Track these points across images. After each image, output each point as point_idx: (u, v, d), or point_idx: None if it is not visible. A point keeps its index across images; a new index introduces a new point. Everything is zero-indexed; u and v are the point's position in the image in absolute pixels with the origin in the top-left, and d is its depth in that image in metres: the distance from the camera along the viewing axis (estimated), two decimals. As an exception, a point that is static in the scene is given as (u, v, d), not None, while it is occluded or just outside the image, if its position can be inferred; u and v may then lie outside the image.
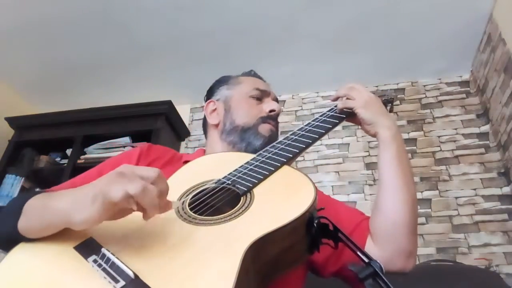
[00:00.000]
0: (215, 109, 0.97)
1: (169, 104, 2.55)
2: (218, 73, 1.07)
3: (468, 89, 2.64)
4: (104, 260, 0.47)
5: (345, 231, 0.74)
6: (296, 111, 2.82)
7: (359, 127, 0.84)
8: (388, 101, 0.91)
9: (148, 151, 0.88)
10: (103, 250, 0.48)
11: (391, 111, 0.94)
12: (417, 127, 2.58)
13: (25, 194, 0.63)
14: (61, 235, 0.54)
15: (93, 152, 2.52)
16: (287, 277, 0.59)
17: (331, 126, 0.79)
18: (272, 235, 0.49)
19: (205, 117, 1.00)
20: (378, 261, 0.46)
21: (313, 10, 2.23)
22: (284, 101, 2.88)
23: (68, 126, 2.63)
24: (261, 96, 0.95)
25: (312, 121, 0.81)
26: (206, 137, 1.01)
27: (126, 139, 2.51)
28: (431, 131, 2.54)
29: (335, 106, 0.84)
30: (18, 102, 2.96)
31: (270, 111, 0.92)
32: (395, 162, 0.75)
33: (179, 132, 2.77)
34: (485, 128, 2.45)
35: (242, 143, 0.88)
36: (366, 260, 0.47)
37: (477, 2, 2.17)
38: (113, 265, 0.46)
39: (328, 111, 0.85)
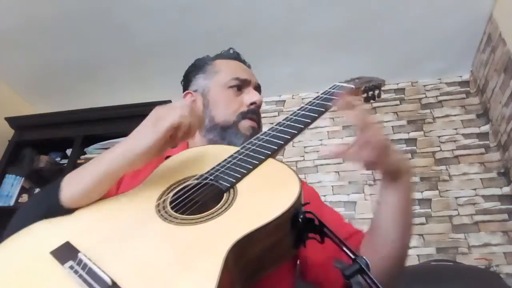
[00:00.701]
0: (193, 102, 0.91)
1: (169, 104, 2.55)
2: None
3: (468, 89, 2.64)
4: (81, 266, 0.45)
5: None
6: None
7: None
8: (375, 86, 0.83)
9: None
10: (80, 255, 0.47)
11: (379, 96, 0.86)
12: (417, 127, 2.58)
13: (51, 183, 0.62)
14: (36, 239, 0.52)
15: (93, 152, 2.52)
16: (273, 273, 0.56)
17: (317, 115, 0.72)
18: (256, 232, 0.47)
19: None
20: (364, 257, 0.45)
21: (313, 10, 2.23)
22: (284, 101, 2.88)
23: (68, 126, 2.63)
24: (241, 85, 0.88)
25: (298, 110, 0.75)
26: None
27: (126, 139, 2.51)
28: (431, 131, 2.54)
29: (322, 94, 0.78)
30: (18, 102, 2.96)
31: (251, 103, 0.86)
32: (403, 210, 0.67)
33: (179, 132, 2.77)
34: (485, 128, 2.45)
35: (222, 142, 0.84)
36: (353, 256, 0.46)
37: (477, 2, 2.17)
38: (90, 272, 0.44)
39: (314, 98, 0.78)
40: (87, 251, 0.48)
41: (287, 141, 0.68)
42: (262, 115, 0.94)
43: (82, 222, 0.55)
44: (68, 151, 2.58)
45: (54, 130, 2.65)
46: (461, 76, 2.69)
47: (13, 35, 2.42)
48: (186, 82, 0.97)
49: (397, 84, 2.78)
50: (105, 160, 0.59)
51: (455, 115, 2.56)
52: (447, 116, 2.57)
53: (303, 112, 0.74)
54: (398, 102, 2.72)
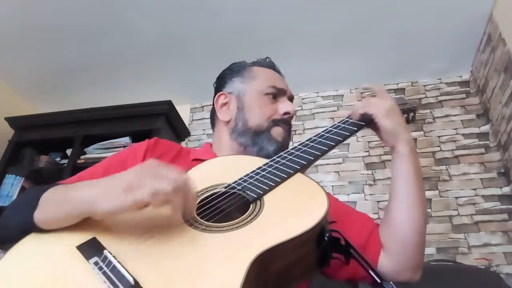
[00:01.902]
0: (226, 103, 0.91)
1: (169, 104, 2.55)
2: (218, 73, 1.04)
3: (468, 89, 2.64)
4: (106, 263, 0.46)
5: (358, 242, 0.74)
6: (296, 111, 2.81)
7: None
8: (410, 109, 0.87)
9: (154, 145, 0.86)
10: (105, 252, 0.47)
11: (412, 120, 0.89)
12: (417, 127, 2.58)
13: (38, 187, 0.62)
14: (65, 232, 0.53)
15: (93, 152, 2.52)
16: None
17: (349, 134, 0.75)
18: (281, 247, 0.47)
19: (214, 108, 0.94)
20: (390, 282, 0.45)
21: (313, 10, 2.23)
22: (284, 101, 2.88)
23: (68, 126, 2.63)
24: (277, 93, 0.90)
25: (330, 127, 0.77)
26: (213, 129, 0.96)
27: (126, 139, 2.51)
28: (431, 131, 2.54)
29: (349, 118, 0.80)
30: (18, 102, 2.96)
31: (285, 113, 0.88)
32: (413, 178, 0.73)
33: (179, 132, 2.77)
34: (485, 128, 2.45)
35: (254, 147, 0.84)
36: (379, 281, 0.46)
37: (477, 2, 2.17)
38: (114, 269, 0.45)
39: (347, 117, 0.80)
40: (113, 248, 0.49)
41: (317, 157, 0.69)
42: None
43: (109, 220, 0.55)
44: (68, 151, 2.59)
45: (54, 130, 2.65)
46: (461, 76, 2.69)
47: (13, 35, 2.42)
48: (221, 84, 0.96)
49: (397, 84, 2.78)
50: (71, 201, 0.54)
51: (455, 115, 2.56)
52: (447, 116, 2.57)
53: (335, 130, 0.76)
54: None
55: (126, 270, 0.45)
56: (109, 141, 2.52)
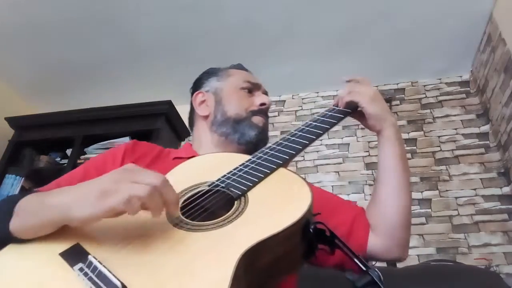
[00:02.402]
0: (204, 101, 0.94)
1: (169, 104, 2.55)
2: None
3: (468, 89, 2.64)
4: (91, 268, 0.45)
5: (344, 228, 0.76)
6: (296, 111, 2.82)
7: (359, 125, 0.83)
8: (387, 100, 0.90)
9: (133, 148, 0.86)
10: (90, 257, 0.46)
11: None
12: (417, 127, 2.58)
13: (14, 195, 0.61)
14: (46, 240, 0.51)
15: (93, 152, 2.52)
16: (281, 284, 0.57)
17: (336, 121, 0.76)
18: (267, 242, 0.47)
19: (192, 109, 0.97)
20: (376, 269, 0.46)
21: (313, 10, 2.23)
22: (284, 101, 2.88)
23: (68, 126, 2.63)
24: (252, 88, 0.93)
25: (311, 121, 0.78)
26: (192, 129, 0.98)
27: (126, 139, 2.51)
28: (431, 131, 2.54)
29: (335, 106, 0.82)
30: (18, 102, 2.96)
31: (261, 104, 0.91)
32: (398, 159, 0.77)
33: (179, 132, 2.77)
34: (485, 128, 2.45)
35: (235, 134, 0.86)
36: (364, 268, 0.46)
37: (477, 2, 2.17)
38: (100, 274, 0.44)
39: (327, 110, 0.81)
40: (97, 253, 0.47)
41: (298, 151, 0.69)
42: (262, 115, 0.96)
43: (91, 226, 0.53)
44: (68, 151, 2.58)
45: (54, 130, 2.65)
46: (461, 76, 2.69)
47: (13, 35, 2.42)
48: (198, 85, 1.00)
49: (397, 84, 2.78)
50: (47, 209, 0.52)
51: (455, 115, 2.56)
52: (447, 116, 2.57)
53: (315, 123, 0.76)
54: (398, 102, 2.72)
55: (113, 275, 0.44)
56: (109, 141, 2.52)
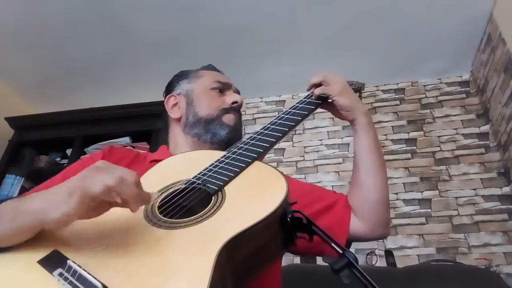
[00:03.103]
0: (176, 103, 0.96)
1: (169, 104, 2.55)
2: None
3: (468, 89, 2.64)
4: (71, 272, 0.45)
5: (325, 213, 0.81)
6: (296, 111, 2.82)
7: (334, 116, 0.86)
8: (356, 90, 0.91)
9: (110, 153, 0.88)
10: (69, 262, 0.46)
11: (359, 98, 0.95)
12: (417, 127, 2.58)
13: None
14: (23, 248, 0.51)
15: (93, 152, 2.52)
16: (264, 273, 0.58)
17: (300, 118, 0.78)
18: (246, 233, 0.48)
19: (166, 112, 0.99)
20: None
21: (313, 10, 2.23)
22: (284, 101, 2.88)
23: (68, 126, 2.63)
24: (222, 88, 0.94)
25: (283, 113, 0.80)
26: (168, 132, 1.00)
27: (126, 139, 2.51)
28: (431, 131, 2.54)
29: (311, 93, 0.84)
30: (18, 102, 2.96)
31: (233, 102, 0.91)
32: (373, 145, 0.82)
33: (179, 132, 2.77)
34: (485, 128, 2.45)
35: (207, 135, 0.87)
36: (340, 251, 0.47)
37: (477, 2, 2.17)
38: (80, 278, 0.44)
39: (298, 102, 0.84)
40: (76, 258, 0.47)
41: (272, 144, 0.71)
42: (262, 115, 0.97)
43: (68, 230, 0.53)
44: (68, 151, 2.59)
45: (54, 130, 2.65)
46: (461, 76, 2.69)
47: (13, 35, 2.42)
48: (169, 89, 1.02)
49: (397, 84, 2.78)
50: (22, 215, 0.51)
51: (455, 115, 2.56)
52: (447, 116, 2.58)
53: (287, 116, 0.78)
54: (398, 102, 2.73)
55: (93, 277, 0.44)
56: (109, 141, 2.52)
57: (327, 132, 2.70)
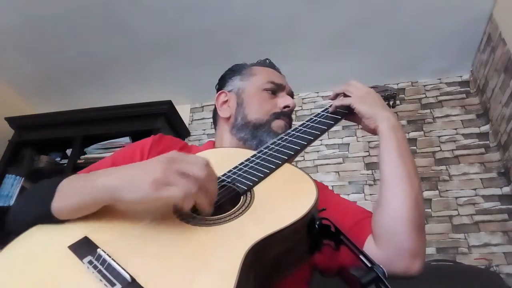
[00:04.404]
0: (226, 101, 0.92)
1: (169, 104, 2.55)
2: (218, 73, 1.05)
3: (468, 89, 2.64)
4: (100, 261, 0.45)
5: (344, 227, 0.74)
6: (296, 111, 2.82)
7: (359, 126, 0.81)
8: (390, 96, 0.89)
9: (159, 141, 0.87)
10: (99, 251, 0.47)
11: (393, 106, 0.91)
12: (417, 127, 2.58)
13: (49, 180, 0.62)
14: (53, 233, 0.52)
15: (93, 152, 2.52)
16: (289, 279, 0.57)
17: (333, 122, 0.77)
18: (273, 236, 0.47)
19: (215, 107, 0.95)
20: (380, 265, 0.45)
21: (313, 10, 2.23)
22: (284, 101, 2.88)
23: (68, 126, 2.63)
24: (275, 89, 0.91)
25: (314, 117, 0.79)
26: (215, 128, 0.97)
27: (126, 139, 2.51)
28: (431, 131, 2.54)
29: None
30: (18, 102, 2.96)
31: (285, 107, 0.88)
32: (394, 153, 0.69)
33: (179, 132, 2.77)
34: (485, 128, 2.45)
35: (253, 141, 0.84)
36: (369, 265, 0.46)
37: (477, 2, 2.17)
38: (109, 267, 0.44)
39: (329, 107, 0.82)
40: (106, 247, 0.48)
41: (303, 147, 0.70)
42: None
43: (99, 218, 0.54)
44: (68, 151, 2.59)
45: (54, 130, 2.66)
46: (461, 76, 2.69)
47: (13, 35, 2.42)
48: (222, 83, 0.98)
49: (397, 84, 2.78)
50: (94, 189, 0.53)
51: (455, 115, 2.56)
52: (447, 116, 2.57)
53: (319, 119, 0.78)
54: (398, 102, 2.72)
55: (122, 267, 0.44)
56: (109, 141, 2.52)
57: (327, 132, 2.70)
